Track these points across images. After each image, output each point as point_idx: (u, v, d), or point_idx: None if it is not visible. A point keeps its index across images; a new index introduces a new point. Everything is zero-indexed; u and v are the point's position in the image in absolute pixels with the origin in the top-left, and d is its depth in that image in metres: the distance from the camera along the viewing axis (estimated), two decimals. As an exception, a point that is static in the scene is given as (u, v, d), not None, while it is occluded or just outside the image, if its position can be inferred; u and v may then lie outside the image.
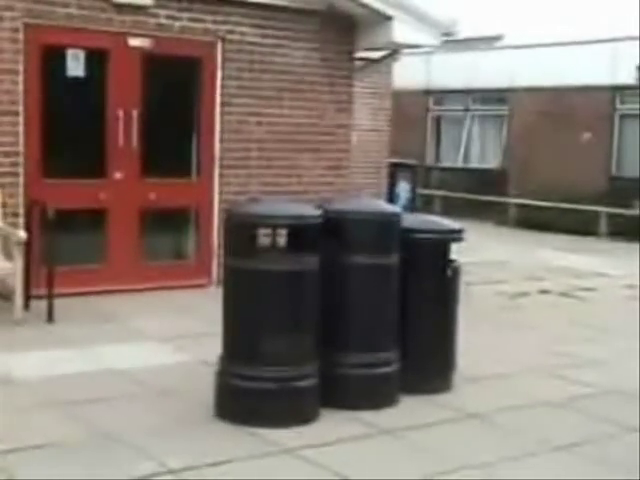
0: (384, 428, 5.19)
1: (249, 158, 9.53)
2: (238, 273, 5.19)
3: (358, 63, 10.53)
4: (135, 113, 8.85)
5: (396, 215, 5.72)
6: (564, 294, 10.37)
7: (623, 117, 18.90)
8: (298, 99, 9.77)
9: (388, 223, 5.61)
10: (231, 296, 5.26)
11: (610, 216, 17.19)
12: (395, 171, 16.15)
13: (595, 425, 5.50)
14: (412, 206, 15.96)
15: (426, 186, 20.65)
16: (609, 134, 18.96)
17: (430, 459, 4.77)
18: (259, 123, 9.55)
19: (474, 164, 21.66)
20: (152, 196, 9.00)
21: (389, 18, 9.58)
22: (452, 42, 15.18)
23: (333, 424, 5.17)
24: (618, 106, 18.88)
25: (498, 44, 21.43)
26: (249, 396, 5.12)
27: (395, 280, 5.62)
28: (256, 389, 5.12)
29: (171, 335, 7.23)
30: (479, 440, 5.14)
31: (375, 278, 5.51)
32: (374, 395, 5.53)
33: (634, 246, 15.53)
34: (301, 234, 5.15)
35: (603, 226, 17.25)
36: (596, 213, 17.33)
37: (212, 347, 5.51)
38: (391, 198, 15.16)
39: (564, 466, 4.78)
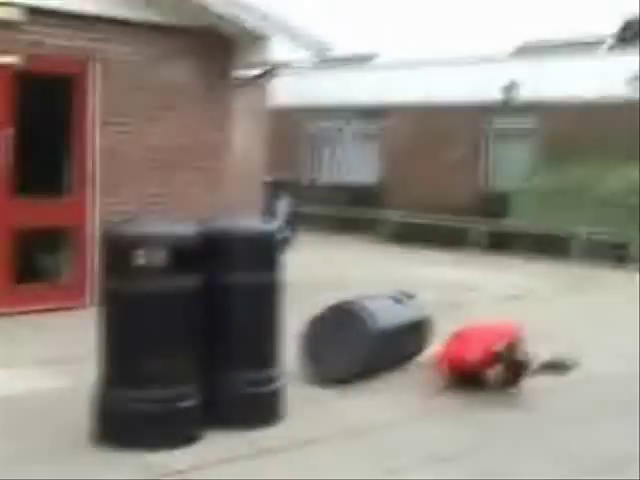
0: (270, 446, 5.19)
1: (127, 177, 9.41)
2: (116, 294, 5.12)
3: (235, 81, 10.55)
4: (7, 132, 8.62)
5: (274, 233, 5.76)
6: (440, 306, 10.56)
7: (493, 135, 19.50)
8: (175, 117, 9.72)
9: (267, 241, 5.63)
10: (109, 318, 5.17)
11: (482, 230, 17.70)
12: (273, 188, 16.18)
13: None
14: (291, 223, 16.03)
15: (304, 203, 20.78)
16: (480, 151, 19.53)
17: (312, 477, 4.80)
18: (136, 142, 9.44)
19: (351, 180, 21.94)
20: (24, 216, 8.77)
21: (265, 37, 9.65)
22: (328, 61, 15.38)
23: (217, 444, 5.14)
24: (487, 125, 19.47)
25: (372, 63, 21.82)
26: (129, 419, 5.03)
27: (276, 297, 5.65)
28: (136, 412, 5.04)
29: (44, 359, 7.02)
30: (361, 455, 5.20)
31: (256, 296, 5.52)
32: (258, 413, 5.52)
33: (505, 258, 16.03)
34: (179, 254, 5.10)
35: (476, 239, 17.72)
36: (468, 227, 17.81)
37: (89, 371, 5.40)
38: (270, 215, 15.17)
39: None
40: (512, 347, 6.43)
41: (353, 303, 6.92)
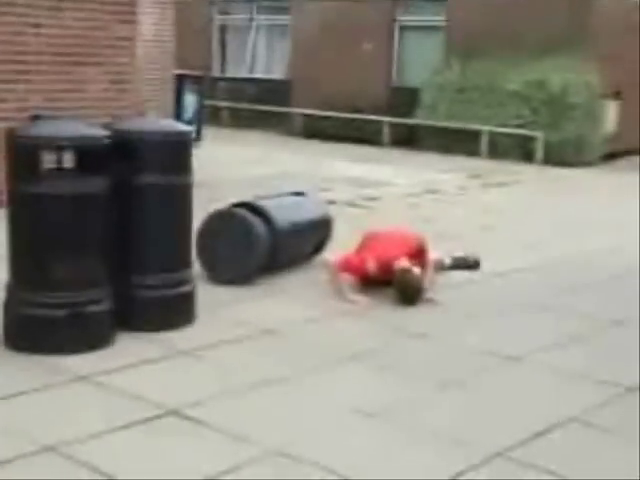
0: (182, 349, 5.21)
1: (28, 72, 9.05)
2: (23, 197, 4.97)
3: (140, -29, 10.16)
4: None
5: (188, 134, 5.64)
6: (350, 204, 10.65)
7: (403, 28, 19.36)
8: (79, 9, 9.33)
9: (180, 142, 5.52)
10: (16, 221, 5.04)
11: (392, 125, 17.73)
12: (181, 83, 15.84)
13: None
14: (199, 118, 15.78)
15: (212, 97, 20.44)
16: (389, 45, 19.39)
17: (231, 376, 4.85)
18: (37, 34, 9.06)
19: (260, 74, 21.63)
20: None
21: None
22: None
23: (129, 348, 5.12)
24: (398, 17, 19.31)
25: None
26: (38, 323, 4.97)
27: (188, 199, 5.58)
28: (45, 316, 4.97)
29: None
30: (277, 354, 5.26)
31: (168, 198, 5.44)
32: (171, 316, 5.51)
33: (415, 154, 16.16)
34: (89, 156, 4.96)
35: (386, 135, 17.77)
36: (379, 122, 17.82)
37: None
38: (178, 111, 14.90)
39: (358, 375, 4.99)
40: (407, 272, 6.42)
41: (246, 204, 6.87)
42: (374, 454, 4.00)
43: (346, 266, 6.54)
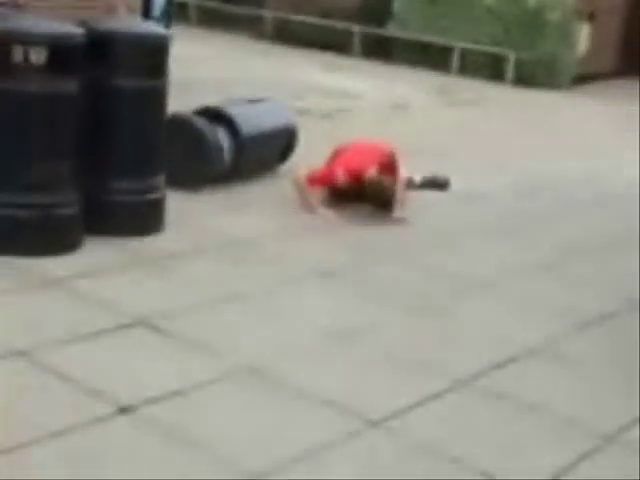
0: (151, 257, 5.16)
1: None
2: (-7, 93, 4.82)
3: None
4: None
5: (166, 37, 5.48)
6: (320, 115, 10.52)
7: None
8: None
9: (157, 45, 5.37)
10: (-16, 118, 4.90)
11: (362, 34, 17.44)
12: (149, -23, 15.38)
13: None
14: (167, 16, 15.37)
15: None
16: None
17: (199, 288, 4.82)
18: None
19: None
20: None
21: None
22: None
23: (98, 253, 5.05)
24: None
25: None
26: (4, 225, 4.86)
27: (162, 104, 5.45)
28: (11, 216, 4.87)
29: None
30: (244, 267, 5.24)
31: (142, 102, 5.31)
32: (141, 222, 5.44)
33: (384, 65, 15.96)
34: (61, 55, 4.79)
35: (356, 44, 17.49)
36: (350, 30, 17.51)
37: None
38: (146, 7, 14.49)
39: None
40: (378, 182, 6.41)
41: (209, 109, 6.73)
42: (341, 375, 4.02)
43: (315, 178, 6.47)
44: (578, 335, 4.81)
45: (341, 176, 6.45)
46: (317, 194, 6.53)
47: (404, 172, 6.83)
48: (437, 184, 7.07)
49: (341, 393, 3.82)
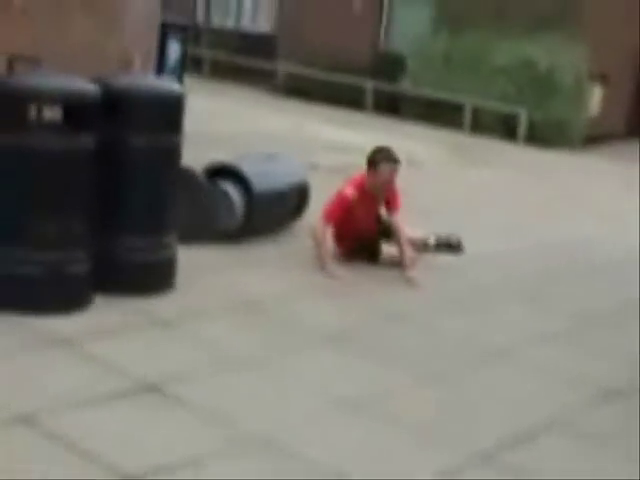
0: (163, 318, 5.06)
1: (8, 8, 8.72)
2: (5, 150, 4.77)
3: None
4: None
5: (181, 94, 5.45)
6: (332, 170, 10.47)
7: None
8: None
9: (172, 102, 5.34)
10: (-3, 173, 4.85)
11: (375, 90, 17.50)
12: (165, 30, 15.48)
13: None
14: (181, 68, 15.44)
15: (196, 47, 20.07)
16: (379, 6, 19.06)
17: (211, 351, 4.73)
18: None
19: (246, 26, 21.25)
20: None
21: None
22: None
23: (109, 312, 4.96)
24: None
25: None
26: (16, 281, 4.78)
27: (176, 161, 5.41)
28: (22, 274, 4.80)
29: None
30: (256, 330, 5.14)
31: (156, 159, 5.26)
32: (152, 280, 5.35)
33: (397, 122, 15.97)
34: (76, 112, 4.76)
35: (369, 99, 17.54)
36: (363, 86, 17.57)
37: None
38: (160, 60, 14.57)
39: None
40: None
41: (222, 166, 6.69)
42: (355, 447, 3.90)
43: (329, 210, 6.38)
44: (596, 408, 4.68)
45: (350, 194, 6.40)
46: (332, 249, 6.48)
47: (417, 232, 6.78)
48: (451, 247, 6.98)
49: (356, 467, 3.70)
